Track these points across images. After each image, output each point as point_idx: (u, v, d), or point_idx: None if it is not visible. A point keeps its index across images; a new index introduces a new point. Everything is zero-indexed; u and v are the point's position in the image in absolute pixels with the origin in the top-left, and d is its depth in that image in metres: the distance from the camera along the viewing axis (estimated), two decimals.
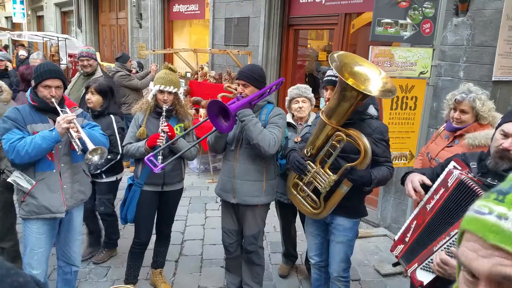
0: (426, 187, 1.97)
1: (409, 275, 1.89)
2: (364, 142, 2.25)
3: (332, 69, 2.66)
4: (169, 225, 3.29)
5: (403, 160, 3.82)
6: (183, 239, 4.22)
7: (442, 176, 1.88)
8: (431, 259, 1.77)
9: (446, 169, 1.88)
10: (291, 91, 3.33)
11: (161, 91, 2.91)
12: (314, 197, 2.50)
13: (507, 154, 1.71)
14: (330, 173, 2.38)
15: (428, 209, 1.89)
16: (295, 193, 2.62)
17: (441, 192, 1.84)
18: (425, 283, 1.79)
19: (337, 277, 2.67)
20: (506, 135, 1.74)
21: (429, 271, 1.80)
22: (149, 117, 3.00)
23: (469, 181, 1.71)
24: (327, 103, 2.51)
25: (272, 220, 4.49)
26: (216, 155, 6.11)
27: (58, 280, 2.93)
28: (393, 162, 3.80)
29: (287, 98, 3.38)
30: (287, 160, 2.70)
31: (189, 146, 2.91)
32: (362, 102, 2.31)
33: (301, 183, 2.55)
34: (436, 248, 1.75)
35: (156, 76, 3.00)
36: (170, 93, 2.91)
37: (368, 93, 2.20)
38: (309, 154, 2.50)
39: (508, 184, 0.66)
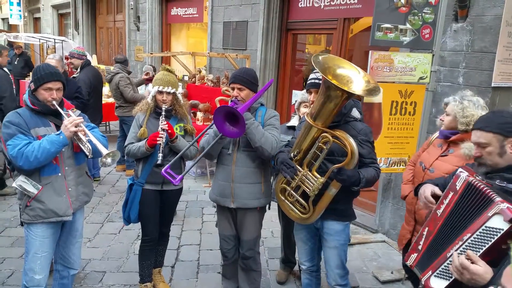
0: (438, 198, 1.96)
1: (422, 283, 1.85)
2: (351, 142, 2.26)
3: (315, 72, 2.67)
4: (168, 224, 3.34)
5: (402, 165, 3.80)
6: (180, 244, 4.17)
7: (450, 181, 1.89)
8: (445, 266, 1.75)
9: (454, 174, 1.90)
10: (303, 94, 3.22)
11: (160, 92, 3.01)
12: (303, 202, 2.46)
13: (480, 161, 1.82)
14: (318, 176, 2.35)
15: (439, 214, 1.87)
16: (283, 198, 2.59)
17: (450, 196, 1.83)
18: None
19: (336, 286, 2.63)
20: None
21: (443, 278, 1.75)
22: (149, 117, 3.09)
23: (477, 183, 1.72)
24: (312, 105, 2.50)
25: (270, 225, 4.45)
26: None
27: (54, 285, 2.87)
28: (391, 167, 3.83)
29: (298, 100, 3.30)
30: (275, 162, 2.66)
31: (189, 145, 2.91)
32: (346, 101, 2.31)
33: (288, 188, 2.51)
34: (450, 254, 1.73)
35: (155, 78, 3.10)
36: (168, 93, 3.02)
37: (352, 92, 2.20)
38: (295, 158, 2.46)
39: None
